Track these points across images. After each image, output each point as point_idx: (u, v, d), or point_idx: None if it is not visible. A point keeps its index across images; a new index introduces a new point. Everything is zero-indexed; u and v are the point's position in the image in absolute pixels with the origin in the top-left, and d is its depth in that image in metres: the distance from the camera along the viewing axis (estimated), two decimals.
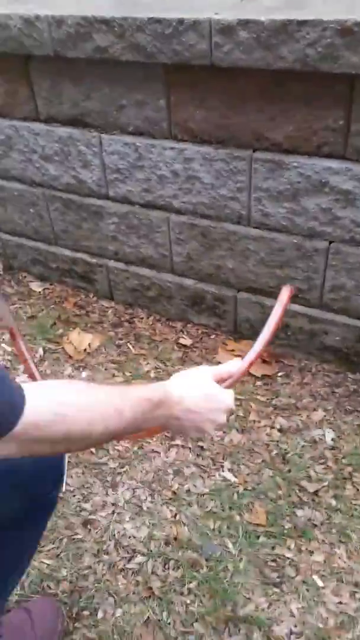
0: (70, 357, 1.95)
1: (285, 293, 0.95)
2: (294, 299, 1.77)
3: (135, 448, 1.62)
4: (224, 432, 1.64)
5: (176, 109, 1.66)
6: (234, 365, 0.91)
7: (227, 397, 0.87)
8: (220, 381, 0.89)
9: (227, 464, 1.56)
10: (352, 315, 1.74)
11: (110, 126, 1.80)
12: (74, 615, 1.27)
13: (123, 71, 1.67)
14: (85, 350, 1.97)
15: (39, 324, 2.11)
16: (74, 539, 1.42)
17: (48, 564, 1.37)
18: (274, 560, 1.34)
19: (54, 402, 0.69)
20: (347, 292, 1.70)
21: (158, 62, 1.57)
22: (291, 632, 1.21)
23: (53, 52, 1.72)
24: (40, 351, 1.99)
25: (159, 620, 1.25)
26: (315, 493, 1.47)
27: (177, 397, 0.82)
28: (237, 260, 1.82)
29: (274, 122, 1.55)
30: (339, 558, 1.34)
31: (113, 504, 1.49)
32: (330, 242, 1.64)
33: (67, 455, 1.19)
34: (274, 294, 1.77)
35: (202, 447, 1.61)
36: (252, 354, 0.92)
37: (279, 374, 1.83)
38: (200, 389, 0.86)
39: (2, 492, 0.88)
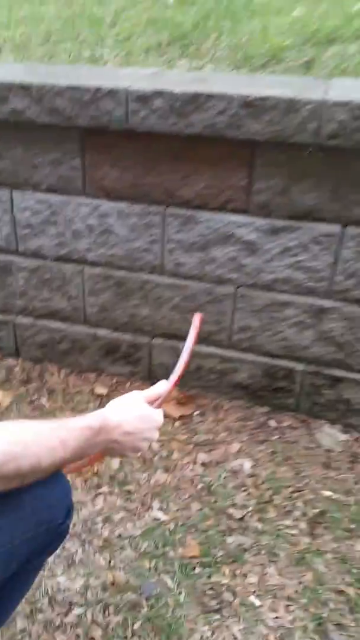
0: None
1: (196, 319, 1.10)
2: (205, 340, 1.91)
3: None
4: (149, 474, 1.69)
5: (91, 168, 1.78)
6: (161, 387, 1.03)
7: (158, 416, 0.98)
8: (150, 402, 0.99)
9: (155, 504, 1.60)
10: (258, 353, 1.90)
11: (22, 184, 1.86)
12: None
13: (38, 133, 1.75)
14: None
15: None
16: None
17: None
18: (211, 589, 1.39)
19: (4, 443, 0.75)
20: (253, 332, 1.87)
21: (75, 125, 1.69)
22: None
23: None
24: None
25: None
26: (242, 519, 1.56)
27: (116, 422, 0.90)
28: (151, 307, 1.92)
29: (185, 181, 1.72)
30: (271, 576, 1.42)
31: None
32: (237, 287, 1.82)
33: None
34: (186, 338, 1.90)
35: (129, 491, 1.64)
36: (174, 375, 1.05)
37: (195, 413, 1.93)
38: (135, 411, 0.95)
39: (17, 523, 0.87)
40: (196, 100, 1.56)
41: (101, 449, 0.91)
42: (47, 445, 0.80)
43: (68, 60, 2.14)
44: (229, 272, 1.80)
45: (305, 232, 1.68)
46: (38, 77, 1.68)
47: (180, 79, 1.71)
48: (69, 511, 0.97)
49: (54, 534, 0.95)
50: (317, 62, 1.95)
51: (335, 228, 1.65)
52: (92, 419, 0.88)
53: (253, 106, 1.53)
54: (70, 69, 1.87)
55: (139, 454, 0.99)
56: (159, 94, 1.58)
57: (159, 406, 1.00)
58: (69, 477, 1.43)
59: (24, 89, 1.66)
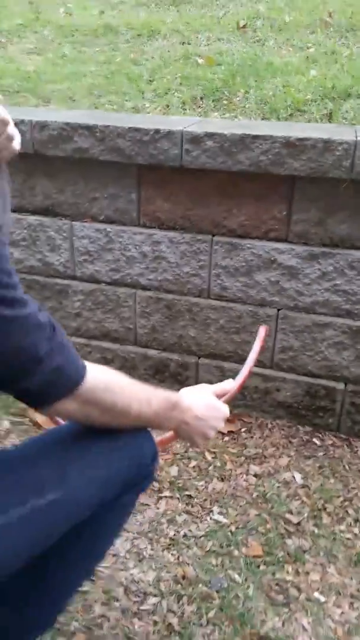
0: (40, 426, 1.98)
1: (262, 330, 1.23)
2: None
3: None
4: (206, 482, 1.77)
5: (146, 201, 1.96)
6: (228, 384, 1.14)
7: (225, 408, 1.09)
8: (217, 396, 1.10)
9: (215, 509, 1.67)
10: (299, 373, 2.02)
11: (82, 215, 2.04)
12: None
13: (99, 169, 1.94)
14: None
15: (0, 399, 2.13)
16: (79, 591, 1.41)
17: (58, 621, 1.35)
18: (277, 584, 1.45)
19: (107, 377, 0.90)
20: (294, 352, 1.99)
21: (134, 162, 1.88)
22: None
23: (33, 150, 1.96)
24: (6, 424, 2.00)
25: None
26: (298, 524, 1.63)
27: (187, 404, 1.01)
28: (198, 329, 2.06)
29: (230, 213, 1.89)
30: (332, 575, 1.49)
31: (114, 555, 1.52)
32: (279, 310, 1.96)
33: None
34: (231, 358, 2.03)
35: (189, 496, 1.72)
36: (240, 376, 1.17)
37: (242, 430, 2.02)
38: (204, 400, 1.06)
39: (113, 454, 0.95)
40: (243, 141, 1.76)
41: (174, 426, 1.02)
42: (138, 396, 0.93)
43: (112, 109, 2.37)
44: (271, 295, 1.94)
45: (341, 258, 1.84)
46: (100, 121, 1.88)
47: (225, 124, 1.92)
48: (155, 456, 1.04)
49: (143, 472, 1.02)
50: (336, 114, 2.17)
51: None
52: (170, 393, 0.99)
53: (294, 146, 1.72)
54: (124, 116, 2.08)
55: (206, 441, 1.09)
56: (210, 135, 1.78)
57: (225, 402, 1.11)
58: None
59: (89, 129, 1.86)
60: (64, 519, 0.90)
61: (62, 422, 1.08)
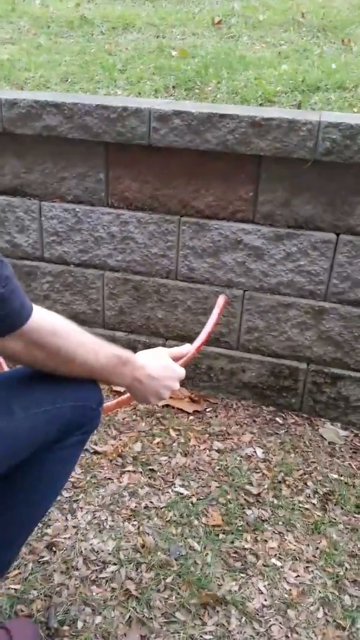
0: None
1: (221, 299, 1.25)
2: (216, 342, 2.06)
3: (88, 477, 1.68)
4: (170, 457, 1.78)
5: (114, 181, 1.97)
6: (184, 348, 1.16)
7: (180, 370, 1.10)
8: (174, 359, 1.11)
9: (177, 481, 1.69)
10: (264, 353, 2.05)
11: (51, 194, 2.05)
12: (52, 632, 1.26)
13: (67, 147, 1.96)
14: None
15: None
16: (39, 561, 1.42)
17: (16, 589, 1.35)
18: (235, 552, 1.47)
19: (54, 321, 0.89)
20: (260, 333, 2.03)
21: (102, 141, 1.89)
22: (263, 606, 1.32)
23: (2, 129, 1.96)
24: None
25: (140, 617, 1.29)
26: (259, 495, 1.65)
27: (141, 363, 1.02)
28: (166, 310, 2.07)
29: (198, 194, 1.92)
30: (290, 543, 1.51)
31: (75, 527, 1.52)
32: (245, 291, 1.99)
33: None
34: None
35: (152, 470, 1.73)
36: (198, 342, 1.20)
37: (207, 410, 2.04)
38: (159, 360, 1.07)
39: (54, 391, 0.95)
40: (210, 120, 1.79)
41: (126, 384, 1.02)
42: (85, 346, 0.92)
43: (85, 95, 2.39)
44: (237, 276, 1.97)
45: (304, 239, 1.88)
46: (68, 99, 1.89)
47: (194, 105, 1.95)
48: (100, 402, 1.04)
49: (88, 415, 1.02)
50: (304, 105, 2.23)
51: (330, 236, 1.86)
52: (122, 351, 1.00)
53: (260, 125, 1.76)
54: (94, 97, 2.10)
55: (160, 401, 1.10)
56: (178, 113, 1.81)
57: (182, 365, 1.12)
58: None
59: (57, 107, 1.87)
60: (5, 451, 0.90)
61: (5, 367, 1.09)
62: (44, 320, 0.86)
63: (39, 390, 0.95)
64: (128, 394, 1.10)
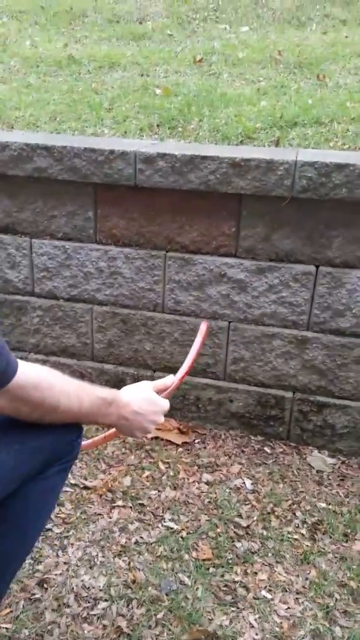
0: None
1: (203, 326, 1.29)
2: (203, 372, 2.10)
3: (79, 513, 1.70)
4: (159, 491, 1.80)
5: (102, 219, 2.03)
6: (168, 379, 1.18)
7: (164, 403, 1.13)
8: (158, 392, 1.14)
9: (167, 516, 1.71)
10: (250, 383, 2.09)
11: (41, 232, 2.10)
12: None
13: (57, 187, 2.01)
14: None
15: None
16: (31, 599, 1.42)
17: (7, 628, 1.35)
18: (225, 585, 1.49)
19: (38, 374, 0.93)
20: (245, 363, 2.07)
21: (90, 181, 1.96)
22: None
23: None
24: None
25: None
26: (248, 527, 1.67)
27: (125, 400, 1.06)
28: (153, 342, 2.11)
29: (183, 230, 1.98)
30: (279, 574, 1.53)
31: (66, 563, 1.53)
32: (230, 322, 2.04)
33: None
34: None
35: (142, 504, 1.74)
36: (181, 372, 1.23)
37: (196, 441, 2.07)
38: (143, 395, 1.10)
39: (29, 431, 0.98)
40: (193, 161, 1.86)
41: (112, 422, 1.05)
42: (69, 396, 0.95)
43: (73, 135, 2.46)
44: (222, 308, 2.02)
45: (286, 271, 1.94)
46: (58, 142, 1.96)
47: (177, 146, 2.02)
48: (79, 433, 1.07)
49: (67, 445, 1.05)
50: (283, 141, 2.32)
51: (310, 268, 1.92)
52: (107, 392, 1.03)
53: (239, 166, 1.83)
54: (82, 139, 2.17)
55: (146, 435, 1.13)
56: (162, 156, 1.87)
57: (166, 397, 1.15)
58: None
59: (47, 149, 1.93)
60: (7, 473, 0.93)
61: None
62: (28, 375, 0.90)
63: (18, 428, 0.97)
64: (113, 430, 1.13)
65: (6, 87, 3.15)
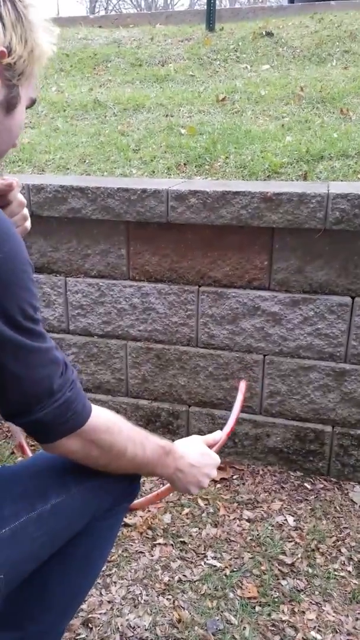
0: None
1: (242, 384, 1.31)
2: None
3: (120, 551, 1.68)
4: (200, 528, 1.78)
5: (135, 256, 2.07)
6: (217, 434, 1.20)
7: (216, 457, 1.14)
8: (208, 446, 1.15)
9: (209, 553, 1.68)
10: (287, 417, 2.07)
11: (75, 271, 2.15)
12: None
13: (90, 227, 2.07)
14: None
15: None
16: (76, 639, 1.40)
17: None
18: (273, 625, 1.45)
19: (109, 418, 0.95)
20: (282, 397, 2.05)
21: (123, 220, 2.00)
22: None
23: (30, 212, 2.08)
24: None
25: None
26: (292, 564, 1.63)
27: (181, 452, 1.06)
28: (188, 377, 2.12)
29: (215, 264, 2.01)
30: (328, 613, 1.48)
31: (109, 602, 1.51)
32: (265, 355, 2.04)
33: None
34: (221, 405, 2.09)
35: (183, 542, 1.72)
36: (228, 427, 1.24)
37: (234, 477, 2.05)
38: (197, 449, 1.11)
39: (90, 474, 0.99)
40: (224, 197, 1.90)
41: (168, 475, 1.05)
42: (135, 441, 0.97)
43: (104, 177, 2.54)
44: (256, 341, 2.03)
45: (320, 303, 1.94)
46: (91, 183, 2.02)
47: (207, 184, 2.07)
48: (139, 481, 1.10)
49: (130, 487, 1.06)
50: (310, 175, 2.35)
51: (346, 299, 1.92)
52: (164, 441, 1.04)
53: (271, 200, 1.86)
54: (114, 179, 2.23)
55: (201, 490, 1.13)
56: (193, 193, 1.92)
57: (216, 451, 1.17)
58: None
59: (81, 191, 1.99)
60: (66, 522, 0.95)
61: (29, 453, 1.13)
62: (100, 417, 0.92)
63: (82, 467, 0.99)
64: (167, 485, 1.13)
65: (35, 131, 3.27)
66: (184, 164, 2.64)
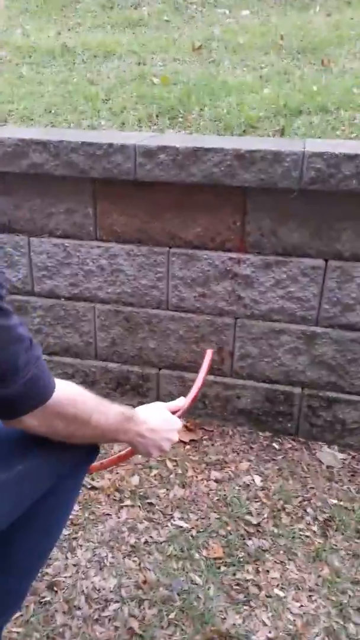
0: None
1: (209, 352, 1.30)
2: (210, 369, 2.07)
3: (87, 514, 1.68)
4: (167, 489, 1.79)
5: (102, 215, 1.99)
6: (180, 401, 1.22)
7: (178, 422, 1.16)
8: (171, 412, 1.16)
9: (176, 514, 1.69)
10: (258, 380, 2.07)
11: (39, 231, 2.06)
12: None
13: (54, 184, 1.98)
14: None
15: None
16: (41, 602, 1.42)
17: (18, 632, 1.34)
18: (237, 584, 1.48)
19: (72, 391, 0.95)
20: (253, 359, 2.04)
21: (88, 177, 1.92)
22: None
23: None
24: None
25: None
26: (258, 524, 1.66)
27: (142, 418, 1.07)
28: (158, 340, 2.09)
29: (186, 225, 1.94)
30: (291, 572, 1.52)
31: (75, 565, 1.52)
32: (236, 318, 2.01)
33: None
34: (192, 368, 2.07)
35: (150, 504, 1.73)
36: (191, 394, 1.25)
37: (204, 438, 2.05)
38: (159, 414, 1.13)
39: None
40: (195, 154, 1.82)
41: (129, 439, 1.06)
42: (98, 409, 0.98)
43: (70, 128, 2.42)
44: (228, 304, 2.00)
45: (293, 266, 1.91)
46: (54, 136, 1.92)
47: (178, 138, 1.98)
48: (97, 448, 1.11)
49: (83, 450, 1.06)
50: (287, 130, 2.27)
51: (319, 262, 1.89)
52: (126, 408, 1.05)
53: (244, 158, 1.79)
54: (79, 132, 2.12)
55: (162, 453, 1.14)
56: (163, 149, 1.83)
57: (179, 417, 1.18)
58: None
59: (43, 145, 1.89)
60: (30, 489, 0.97)
61: None
62: (64, 391, 0.91)
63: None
64: (128, 448, 1.13)
65: None
66: (156, 116, 2.52)
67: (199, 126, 2.40)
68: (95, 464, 1.16)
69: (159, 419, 1.10)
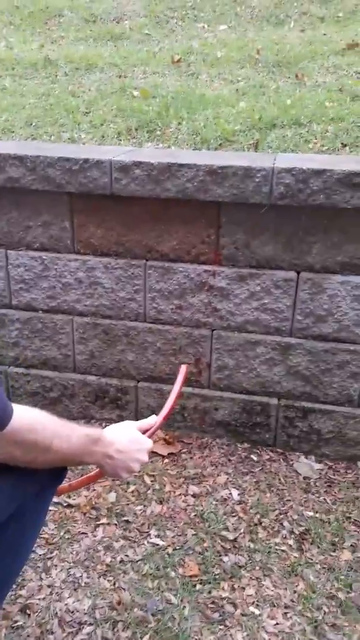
0: None
1: (183, 368, 1.29)
2: (188, 382, 2.07)
3: (62, 533, 1.66)
4: (145, 506, 1.78)
5: (79, 229, 1.99)
6: (151, 419, 1.20)
7: (148, 442, 1.14)
8: (142, 431, 1.15)
9: (153, 532, 1.68)
10: (235, 391, 2.07)
11: (16, 243, 2.05)
12: None
13: (31, 198, 1.97)
14: None
15: None
16: (13, 627, 1.39)
17: None
18: (212, 602, 1.46)
19: (31, 417, 0.93)
20: (229, 371, 2.04)
21: (65, 191, 1.91)
22: None
23: None
24: None
25: None
26: (235, 540, 1.65)
27: (110, 439, 1.05)
28: (136, 352, 2.08)
29: (162, 238, 1.95)
30: (267, 588, 1.51)
31: (49, 586, 1.50)
32: (213, 330, 2.01)
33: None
34: (170, 380, 2.07)
35: (127, 521, 1.71)
36: (164, 412, 1.23)
37: (182, 451, 2.04)
38: (128, 434, 1.11)
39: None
40: (169, 169, 1.83)
41: (96, 461, 1.04)
42: (59, 434, 0.95)
43: (50, 141, 2.42)
44: (204, 316, 2.00)
45: (266, 278, 1.91)
46: (30, 151, 1.91)
47: (153, 154, 1.99)
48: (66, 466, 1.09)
49: (51, 472, 1.05)
50: (262, 144, 2.29)
51: (291, 274, 1.90)
52: (92, 430, 1.03)
53: (217, 174, 1.80)
54: (57, 146, 2.12)
55: (131, 475, 1.12)
56: (138, 164, 1.84)
57: (149, 436, 1.16)
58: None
59: (19, 159, 1.89)
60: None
61: None
62: (22, 418, 0.89)
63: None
64: (97, 469, 1.11)
65: None
66: (135, 129, 2.53)
67: (176, 140, 2.41)
68: (64, 485, 1.15)
69: (128, 440, 1.08)
